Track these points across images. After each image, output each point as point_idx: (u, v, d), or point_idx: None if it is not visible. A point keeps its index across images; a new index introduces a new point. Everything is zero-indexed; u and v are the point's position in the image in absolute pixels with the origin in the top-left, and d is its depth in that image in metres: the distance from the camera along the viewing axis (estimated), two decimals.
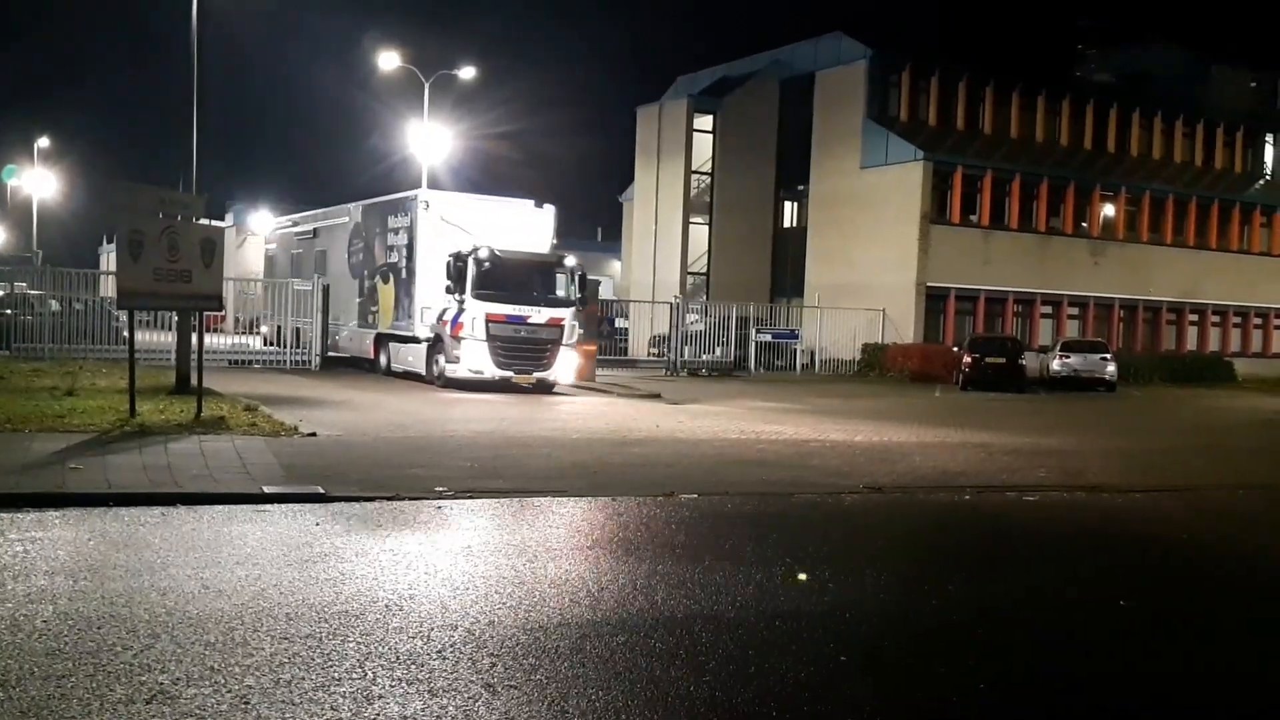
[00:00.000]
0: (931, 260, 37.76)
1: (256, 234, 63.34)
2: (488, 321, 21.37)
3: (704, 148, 45.07)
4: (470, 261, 21.25)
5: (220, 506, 8.54)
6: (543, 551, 7.37)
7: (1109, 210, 42.77)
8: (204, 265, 13.67)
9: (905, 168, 38.32)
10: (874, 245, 38.70)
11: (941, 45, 40.07)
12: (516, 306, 21.69)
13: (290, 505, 8.73)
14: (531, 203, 23.80)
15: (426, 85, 35.60)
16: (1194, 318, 45.01)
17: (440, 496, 9.28)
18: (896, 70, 40.71)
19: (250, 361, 26.25)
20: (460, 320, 21.37)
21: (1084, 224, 42.31)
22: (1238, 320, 46.36)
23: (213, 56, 43.15)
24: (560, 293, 22.57)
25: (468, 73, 36.42)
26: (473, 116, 42.55)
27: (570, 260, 22.85)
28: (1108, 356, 33.81)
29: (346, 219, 26.98)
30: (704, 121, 45.09)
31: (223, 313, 25.19)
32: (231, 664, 4.87)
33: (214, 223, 14.02)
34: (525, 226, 23.13)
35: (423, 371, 22.75)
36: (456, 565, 6.86)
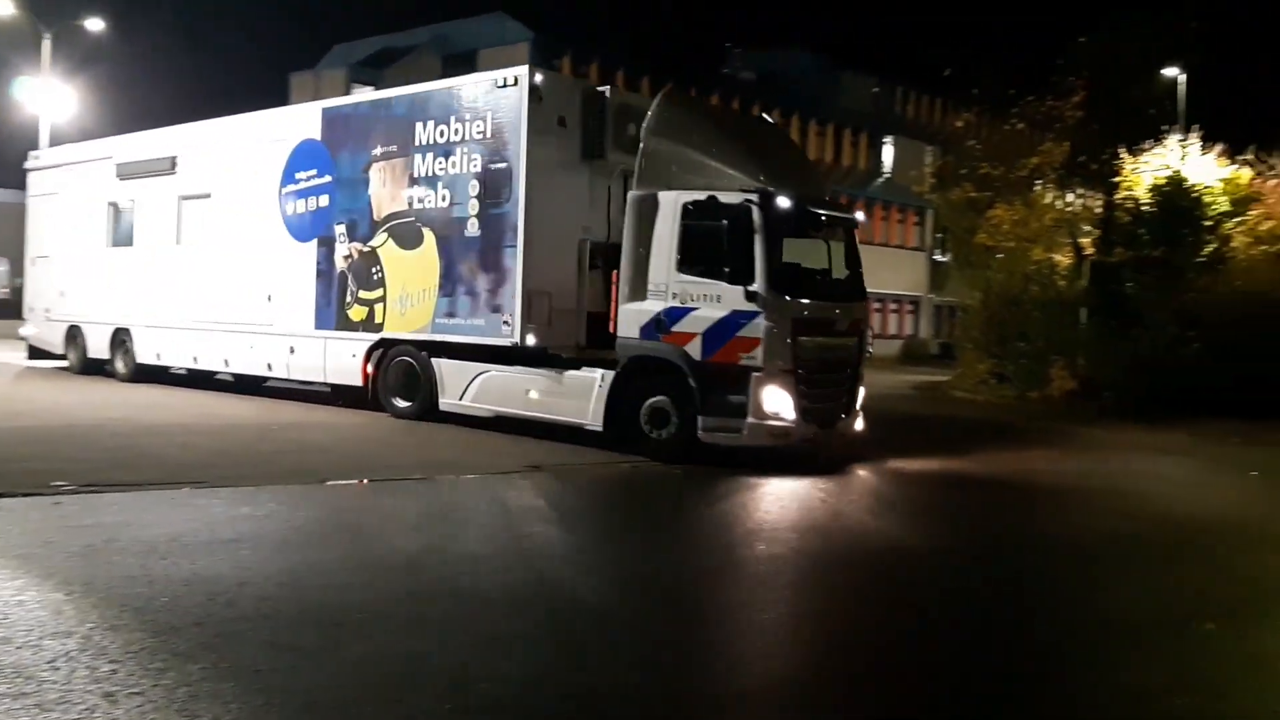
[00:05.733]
0: None
1: None
2: (795, 335, 11.68)
3: None
4: (757, 218, 11.51)
5: None
6: (176, 548, 6.87)
7: None
8: None
9: None
10: None
11: (600, 33, 41.38)
12: (825, 303, 12.39)
13: None
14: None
15: (47, 37, 32.16)
16: None
17: (59, 491, 8.43)
18: (558, 55, 41.36)
19: None
20: (743, 332, 11.49)
21: None
22: None
23: None
24: (854, 275, 13.34)
25: (96, 25, 33.21)
26: (108, 76, 38.77)
27: (861, 215, 14.40)
28: None
29: (278, 135, 15.97)
30: (363, 93, 43.79)
31: None
32: None
33: None
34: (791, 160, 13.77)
35: (566, 418, 12.65)
36: (75, 567, 6.26)
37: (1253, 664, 5.80)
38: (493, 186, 13.04)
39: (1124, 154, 24.93)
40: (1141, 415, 19.04)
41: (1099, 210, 26.72)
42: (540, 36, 40.78)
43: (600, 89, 13.53)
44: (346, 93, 43.03)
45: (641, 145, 12.33)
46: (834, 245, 12.90)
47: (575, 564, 7.35)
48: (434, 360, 13.93)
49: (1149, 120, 25.93)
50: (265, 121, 16.80)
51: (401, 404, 14.37)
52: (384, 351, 14.54)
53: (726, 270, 11.55)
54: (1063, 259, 25.83)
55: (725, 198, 11.61)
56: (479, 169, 13.20)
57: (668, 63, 45.34)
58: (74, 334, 19.70)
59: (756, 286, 11.39)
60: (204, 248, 17.07)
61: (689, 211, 11.79)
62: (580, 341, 13.07)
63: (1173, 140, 24.98)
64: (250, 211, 16.19)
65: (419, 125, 13.94)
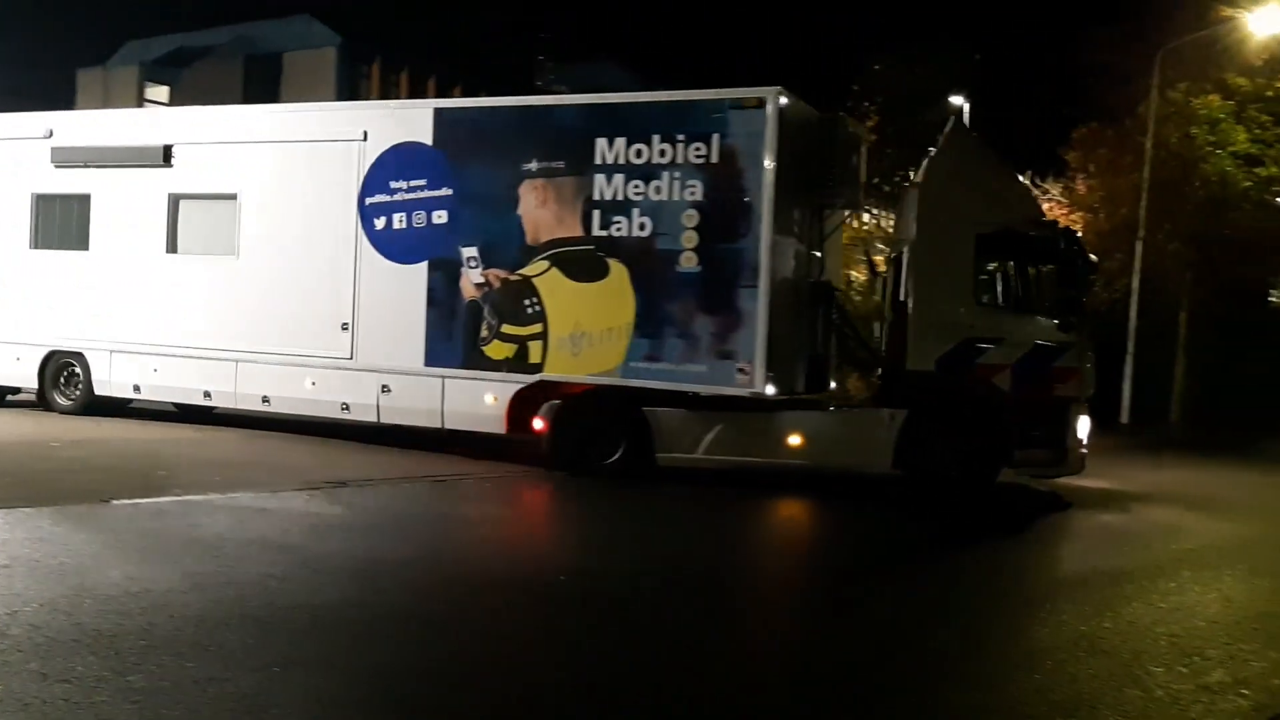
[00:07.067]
0: None
1: None
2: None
3: None
4: (1065, 250, 11.88)
5: None
6: None
7: None
8: None
9: None
10: None
11: (410, 40, 40.92)
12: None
13: None
14: None
15: None
16: None
17: None
18: (367, 61, 40.71)
19: None
20: (1062, 363, 11.67)
21: None
22: None
23: None
24: None
25: None
26: None
27: None
28: None
29: (352, 134, 13.41)
30: (158, 92, 41.94)
31: None
32: None
33: None
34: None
35: (842, 463, 12.24)
36: None
37: (1028, 659, 6.24)
38: (723, 219, 11.78)
39: (914, 176, 26.32)
40: None
41: (891, 229, 28.10)
42: (347, 41, 39.94)
43: (837, 115, 12.98)
44: (140, 92, 41.09)
45: (924, 179, 12.53)
46: None
47: (377, 583, 7.26)
48: (647, 409, 12.11)
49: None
50: (328, 117, 14.72)
51: (602, 462, 12.12)
52: (562, 403, 12.39)
53: (1037, 302, 12.00)
54: (858, 275, 27.08)
55: (1029, 230, 11.90)
56: (699, 198, 11.84)
57: (479, 72, 45.10)
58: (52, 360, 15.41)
59: (1073, 317, 11.64)
60: (224, 260, 14.25)
61: (987, 245, 11.84)
62: (798, 388, 12.38)
63: None
64: (307, 221, 13.77)
65: (601, 141, 12.16)
